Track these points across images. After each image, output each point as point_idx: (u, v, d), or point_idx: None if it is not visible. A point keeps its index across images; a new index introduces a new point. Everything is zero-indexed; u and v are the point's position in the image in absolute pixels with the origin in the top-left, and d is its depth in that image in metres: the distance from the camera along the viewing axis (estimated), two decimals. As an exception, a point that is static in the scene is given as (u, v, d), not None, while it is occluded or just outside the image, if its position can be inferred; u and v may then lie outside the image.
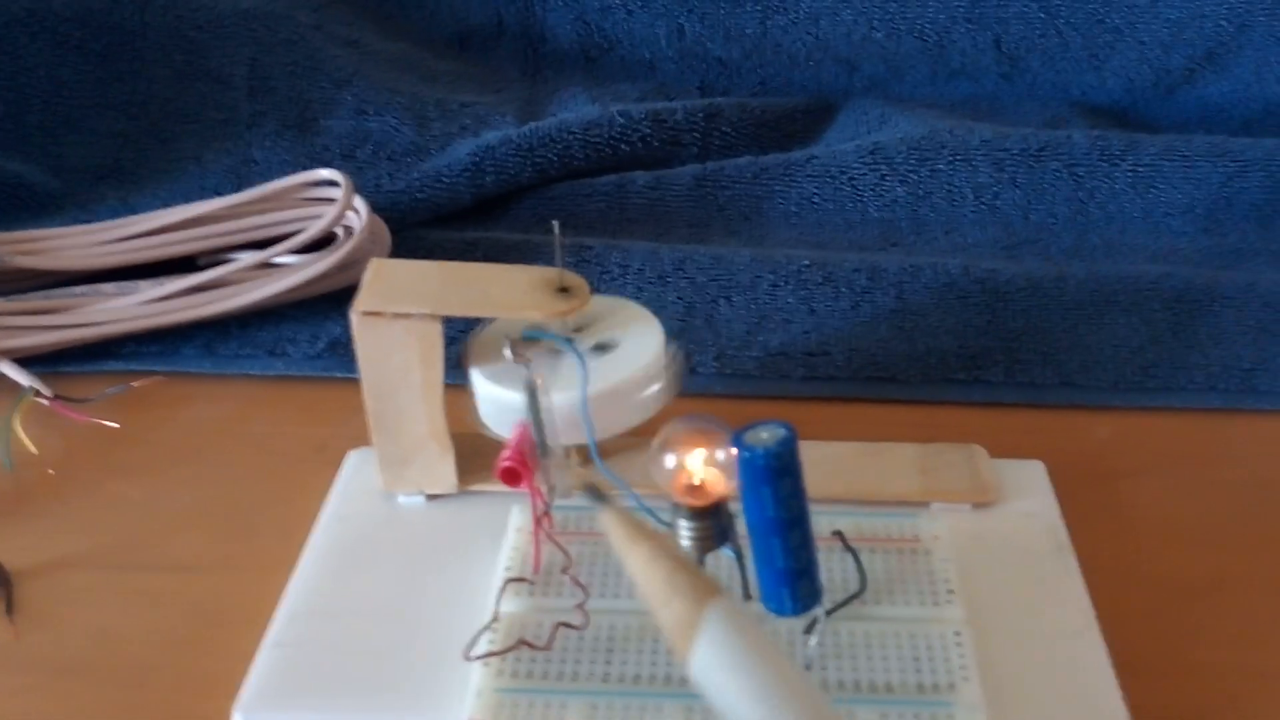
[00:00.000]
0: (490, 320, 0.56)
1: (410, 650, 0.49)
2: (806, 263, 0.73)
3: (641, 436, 0.49)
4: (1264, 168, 0.81)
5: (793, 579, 0.45)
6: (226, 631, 0.51)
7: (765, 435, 0.43)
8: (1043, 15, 0.95)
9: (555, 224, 0.53)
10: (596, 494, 0.41)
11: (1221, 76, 0.93)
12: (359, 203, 0.73)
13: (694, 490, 0.45)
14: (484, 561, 0.53)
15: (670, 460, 0.45)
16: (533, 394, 0.49)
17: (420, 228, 0.81)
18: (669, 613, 0.38)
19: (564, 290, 0.53)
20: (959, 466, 0.57)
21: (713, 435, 0.45)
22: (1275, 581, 0.54)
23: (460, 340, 0.55)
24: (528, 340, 0.54)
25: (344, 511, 0.57)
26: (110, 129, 0.87)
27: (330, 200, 0.73)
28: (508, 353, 0.51)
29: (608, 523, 0.40)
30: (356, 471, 0.59)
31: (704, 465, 0.45)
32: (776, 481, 0.43)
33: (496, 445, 0.50)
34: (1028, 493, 0.56)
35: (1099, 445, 0.62)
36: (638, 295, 0.71)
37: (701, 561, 0.46)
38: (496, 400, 0.53)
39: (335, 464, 0.59)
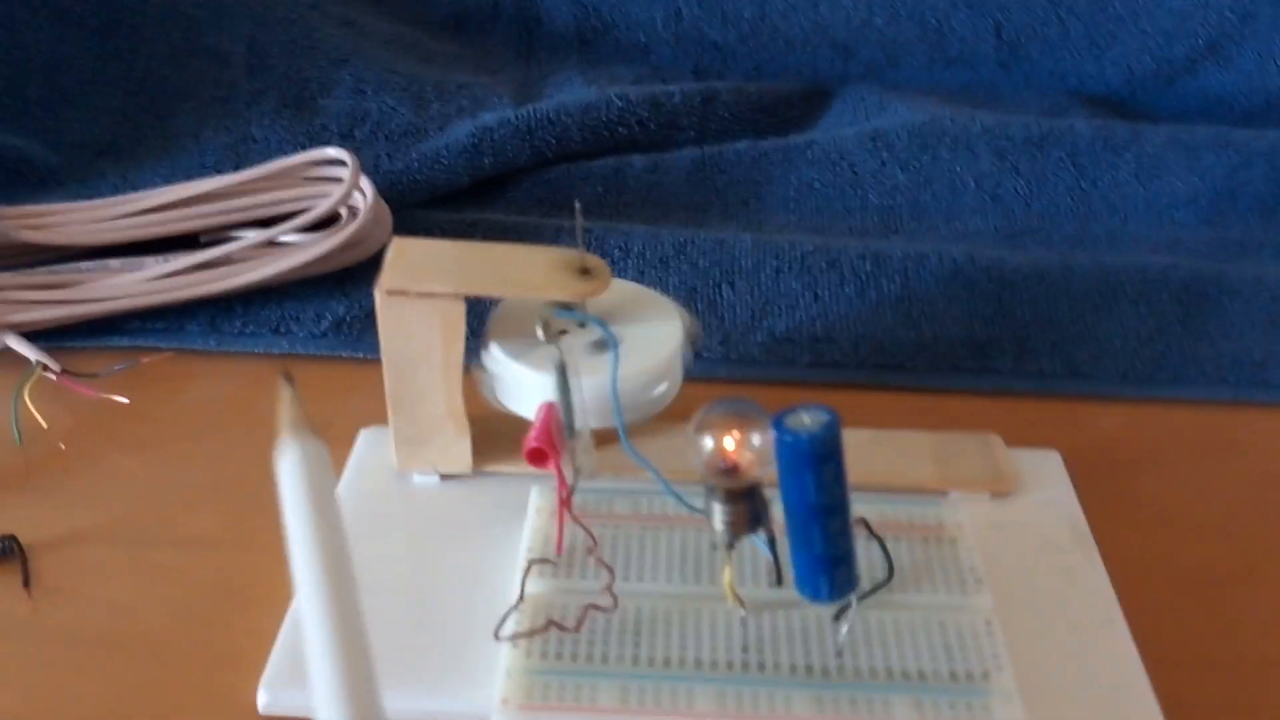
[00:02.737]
0: (500, 301, 0.56)
1: (433, 629, 0.49)
2: (810, 248, 0.73)
3: (665, 421, 0.49)
4: (1268, 160, 0.81)
5: (830, 566, 0.44)
6: (245, 607, 0.51)
7: (807, 419, 0.42)
8: (1045, 2, 0.95)
9: (577, 204, 0.53)
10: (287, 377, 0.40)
11: (1224, 67, 0.94)
12: (365, 183, 0.72)
13: (730, 473, 0.45)
14: (501, 542, 0.52)
15: (707, 442, 0.45)
16: (563, 374, 0.49)
17: (418, 208, 0.80)
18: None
19: (585, 272, 0.53)
20: (976, 455, 0.57)
21: (750, 418, 0.44)
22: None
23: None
24: (557, 319, 0.53)
25: (358, 489, 0.56)
26: (109, 105, 0.86)
27: (334, 180, 0.72)
28: (540, 331, 0.51)
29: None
30: (368, 450, 0.58)
31: (740, 448, 0.45)
32: (820, 467, 0.42)
33: (510, 427, 0.50)
34: (1045, 483, 0.57)
35: (1110, 435, 0.63)
36: (639, 279, 0.71)
37: (733, 545, 0.46)
38: (520, 379, 0.53)
39: (340, 443, 0.59)
